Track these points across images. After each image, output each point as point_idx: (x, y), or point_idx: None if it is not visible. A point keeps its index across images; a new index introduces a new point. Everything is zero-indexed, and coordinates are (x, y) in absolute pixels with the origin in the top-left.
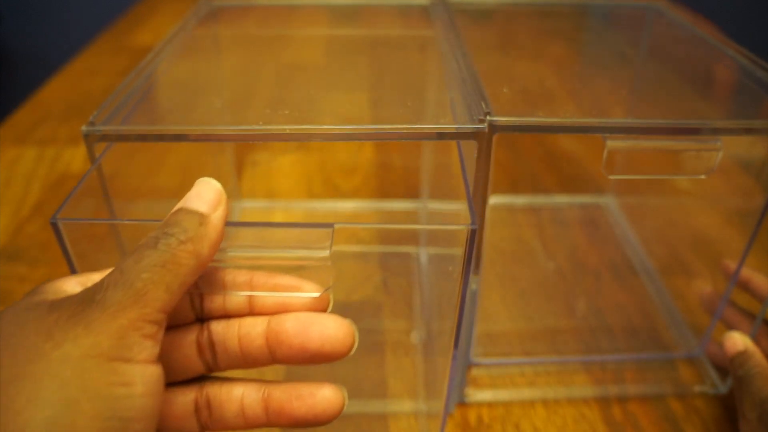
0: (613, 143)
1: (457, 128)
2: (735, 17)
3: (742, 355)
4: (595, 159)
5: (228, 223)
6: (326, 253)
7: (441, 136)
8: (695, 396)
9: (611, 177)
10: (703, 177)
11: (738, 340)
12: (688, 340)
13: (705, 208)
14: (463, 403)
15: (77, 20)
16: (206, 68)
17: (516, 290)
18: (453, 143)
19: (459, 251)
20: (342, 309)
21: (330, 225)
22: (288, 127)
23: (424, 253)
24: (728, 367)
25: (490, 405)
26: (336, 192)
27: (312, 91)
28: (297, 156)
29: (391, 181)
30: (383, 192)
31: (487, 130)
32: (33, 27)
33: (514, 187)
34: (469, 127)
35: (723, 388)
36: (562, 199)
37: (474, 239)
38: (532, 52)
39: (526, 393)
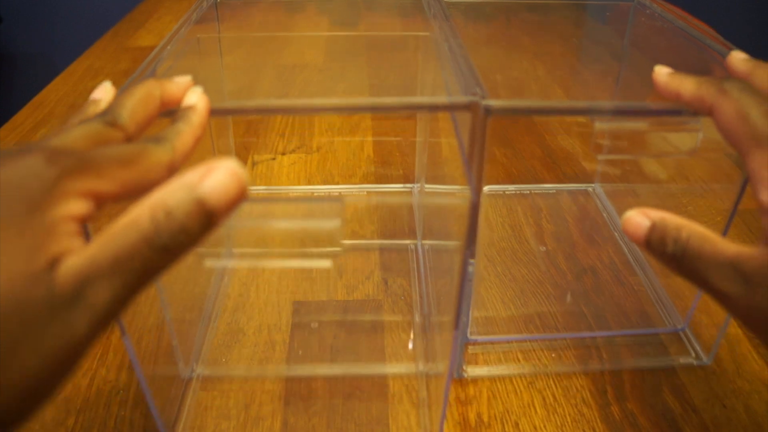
0: (601, 125)
1: (451, 101)
2: (717, 12)
3: (660, 228)
4: (594, 159)
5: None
6: (338, 223)
7: (436, 108)
8: (694, 395)
9: (600, 157)
10: (685, 157)
11: (640, 218)
12: (674, 316)
13: (690, 193)
14: (461, 378)
15: (78, 22)
16: (208, 66)
17: (509, 275)
18: (453, 148)
19: (457, 228)
20: (342, 308)
21: (340, 199)
22: (290, 101)
23: (421, 241)
24: (652, 254)
25: (490, 403)
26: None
27: (311, 76)
28: (297, 156)
29: (392, 181)
30: (382, 216)
31: (480, 101)
32: (34, 28)
33: (512, 181)
34: (463, 99)
35: (707, 360)
36: (551, 186)
37: (476, 213)
38: (521, 44)
39: (520, 368)
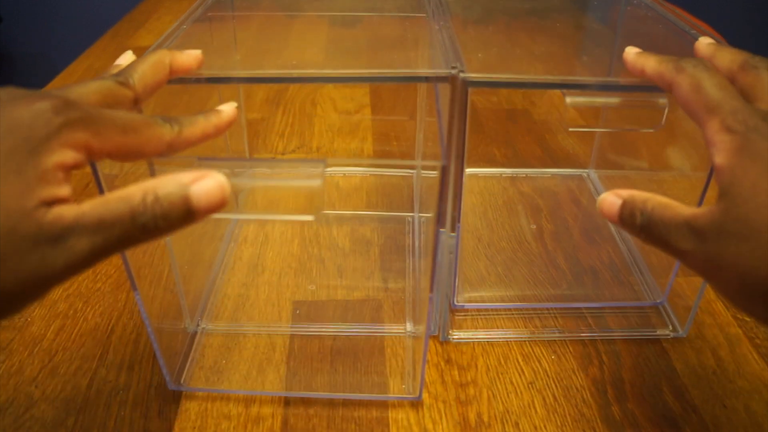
0: (572, 99)
1: (433, 72)
2: (717, 12)
3: (629, 203)
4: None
5: (231, 159)
6: (319, 182)
7: (418, 79)
8: (694, 396)
9: (571, 129)
10: (652, 130)
11: (613, 198)
12: (654, 291)
13: (677, 179)
14: (447, 341)
15: (78, 22)
16: (212, 59)
17: (498, 248)
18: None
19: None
20: (342, 308)
21: (322, 161)
22: (295, 72)
23: (417, 218)
24: (626, 229)
25: (490, 403)
26: (336, 190)
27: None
28: (297, 156)
29: (390, 182)
30: (381, 193)
31: (458, 74)
32: (34, 28)
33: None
34: (443, 71)
35: (682, 332)
36: (547, 170)
37: (445, 175)
38: (511, 30)
39: (504, 333)
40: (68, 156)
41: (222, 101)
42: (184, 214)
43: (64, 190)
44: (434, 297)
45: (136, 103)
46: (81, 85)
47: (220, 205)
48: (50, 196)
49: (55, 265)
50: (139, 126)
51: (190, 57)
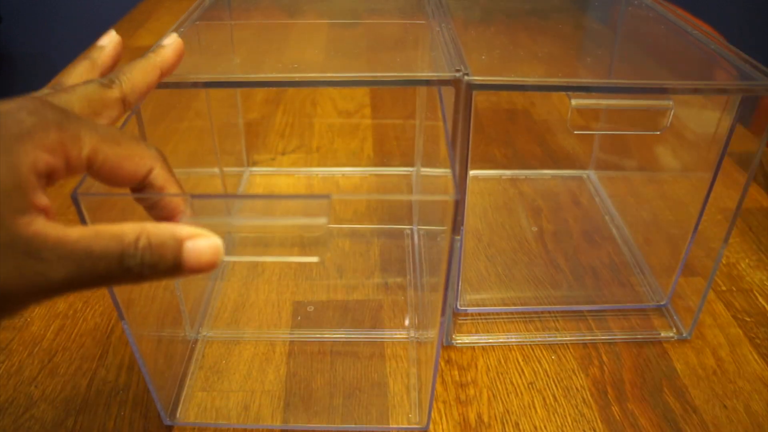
0: (577, 101)
1: (437, 75)
2: (717, 12)
3: None
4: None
5: (233, 196)
6: (324, 220)
7: (420, 83)
8: (694, 396)
9: (576, 132)
10: (657, 133)
11: None
12: (658, 293)
13: (678, 179)
14: (450, 345)
15: (78, 22)
16: (211, 61)
17: (498, 250)
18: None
19: (445, 218)
20: (342, 308)
21: (327, 196)
22: (297, 75)
23: (416, 228)
24: None
25: (490, 403)
26: (336, 189)
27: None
28: (297, 156)
29: (390, 182)
30: (382, 190)
31: (463, 77)
32: (34, 28)
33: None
34: (447, 74)
35: (686, 334)
36: (547, 171)
37: (458, 209)
38: (511, 31)
39: (506, 337)
40: (42, 159)
41: (216, 99)
42: (171, 268)
43: (41, 199)
44: (444, 321)
45: (124, 105)
46: (68, 91)
47: (209, 268)
48: (25, 202)
49: (27, 282)
50: (121, 138)
51: (173, 48)
